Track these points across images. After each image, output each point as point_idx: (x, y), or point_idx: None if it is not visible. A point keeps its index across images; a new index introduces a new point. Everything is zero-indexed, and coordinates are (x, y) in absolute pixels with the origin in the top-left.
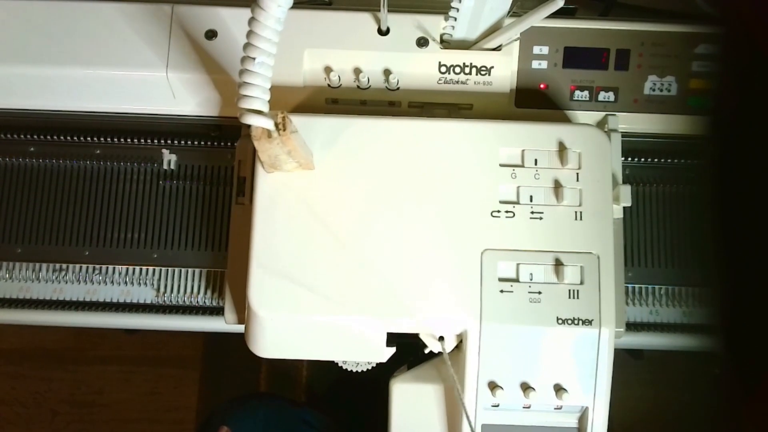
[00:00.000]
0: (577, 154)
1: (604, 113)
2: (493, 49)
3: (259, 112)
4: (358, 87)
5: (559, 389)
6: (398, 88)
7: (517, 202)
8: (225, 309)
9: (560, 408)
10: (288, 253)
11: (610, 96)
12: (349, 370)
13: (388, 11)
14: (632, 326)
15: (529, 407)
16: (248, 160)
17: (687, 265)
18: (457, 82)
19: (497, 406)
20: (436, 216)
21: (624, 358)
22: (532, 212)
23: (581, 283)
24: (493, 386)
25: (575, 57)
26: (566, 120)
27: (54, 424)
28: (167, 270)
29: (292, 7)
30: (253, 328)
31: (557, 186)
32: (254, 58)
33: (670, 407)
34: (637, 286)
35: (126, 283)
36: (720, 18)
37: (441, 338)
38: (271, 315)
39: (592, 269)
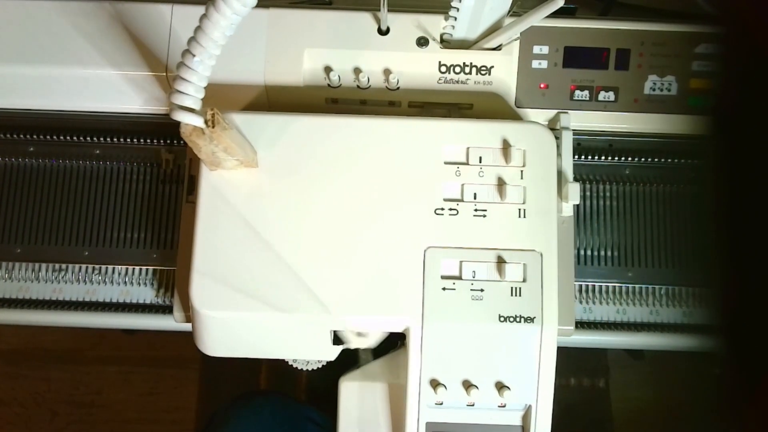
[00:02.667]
0: (522, 151)
1: (604, 113)
2: (493, 49)
3: (189, 110)
4: (358, 87)
5: (501, 387)
6: (398, 88)
7: (461, 200)
8: (174, 307)
9: (504, 406)
10: (230, 250)
11: (610, 96)
12: (300, 369)
13: (388, 11)
14: (632, 326)
15: (472, 405)
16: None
17: (687, 265)
18: (457, 81)
19: (441, 404)
20: (380, 214)
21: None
22: (476, 210)
23: (524, 280)
24: (435, 384)
25: (575, 57)
26: None
27: (53, 424)
28: (167, 270)
29: (292, 7)
30: (198, 327)
31: (501, 184)
32: (194, 56)
33: (670, 407)
34: (637, 286)
35: (125, 283)
36: (720, 17)
37: (359, 334)
38: (213, 313)
39: (535, 267)
